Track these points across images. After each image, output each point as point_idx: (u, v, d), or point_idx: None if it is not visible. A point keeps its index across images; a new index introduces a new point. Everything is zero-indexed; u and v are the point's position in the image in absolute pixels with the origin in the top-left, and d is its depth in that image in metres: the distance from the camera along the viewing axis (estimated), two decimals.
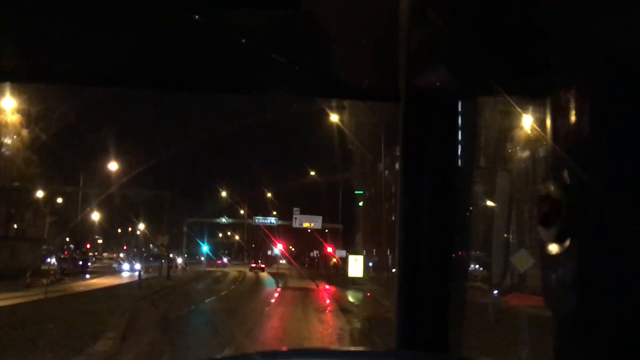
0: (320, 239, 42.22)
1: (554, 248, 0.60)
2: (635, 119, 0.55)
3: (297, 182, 43.11)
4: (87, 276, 32.25)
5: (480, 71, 1.01)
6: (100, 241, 62.50)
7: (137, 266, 32.87)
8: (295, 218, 36.19)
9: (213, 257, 54.22)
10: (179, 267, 41.29)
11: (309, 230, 46.18)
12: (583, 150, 0.58)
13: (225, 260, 61.29)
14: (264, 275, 42.76)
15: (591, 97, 0.58)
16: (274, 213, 40.07)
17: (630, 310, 0.54)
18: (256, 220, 39.18)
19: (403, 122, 1.21)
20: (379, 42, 1.41)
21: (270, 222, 39.20)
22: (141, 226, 46.12)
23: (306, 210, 37.69)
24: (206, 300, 20.51)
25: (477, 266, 31.20)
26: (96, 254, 59.84)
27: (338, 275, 36.88)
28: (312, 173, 44.03)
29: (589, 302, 0.56)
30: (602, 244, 0.56)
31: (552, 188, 0.60)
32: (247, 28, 1.37)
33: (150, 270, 33.21)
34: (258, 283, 33.91)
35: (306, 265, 55.97)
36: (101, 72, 1.58)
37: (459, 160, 1.28)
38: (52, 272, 28.42)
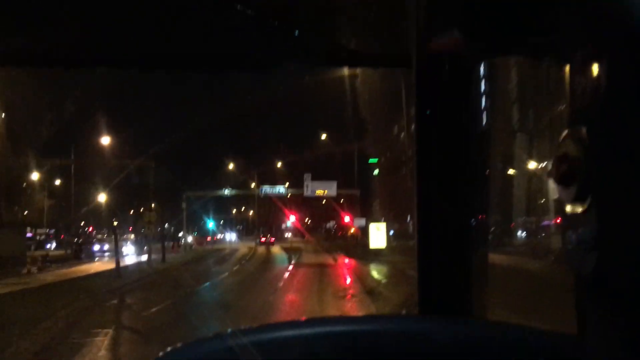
0: (337, 208, 37.57)
1: (573, 207, 0.58)
2: None
3: (308, 153, 38.88)
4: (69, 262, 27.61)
5: (494, 32, 0.96)
6: (115, 223, 58.62)
7: (128, 248, 27.99)
8: (307, 185, 30.96)
9: (219, 234, 49.52)
10: (181, 246, 36.41)
11: (323, 202, 42.25)
12: (601, 106, 0.55)
13: (233, 235, 56.83)
14: (276, 250, 38.04)
15: (608, 51, 0.55)
16: (287, 184, 35.22)
17: None
18: (263, 191, 34.03)
19: (416, 88, 1.17)
20: (388, 6, 1.43)
21: (279, 192, 34.08)
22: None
23: (319, 180, 32.74)
24: (196, 289, 15.65)
25: (524, 233, 26.60)
26: (105, 236, 55.60)
27: (357, 246, 32.40)
28: (324, 137, 39.26)
29: (610, 260, 0.54)
30: (622, 201, 0.53)
31: (570, 146, 0.58)
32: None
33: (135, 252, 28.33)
34: (267, 260, 29.03)
35: (321, 237, 51.82)
36: (101, 54, 1.52)
37: (477, 123, 1.24)
38: (28, 260, 23.82)
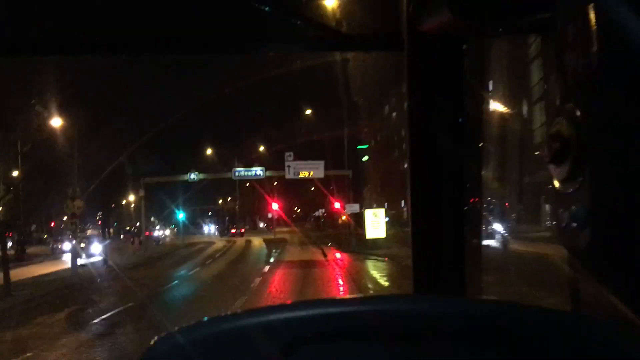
0: (326, 194, 31.97)
1: (564, 186, 0.57)
2: None
3: (294, 137, 33.42)
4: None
5: (484, 12, 0.96)
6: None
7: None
8: (288, 166, 25.11)
9: (191, 227, 43.76)
10: (142, 242, 30.31)
11: (312, 189, 37.18)
12: (592, 84, 0.54)
13: (212, 227, 51.70)
14: (257, 243, 32.24)
15: (597, 28, 0.53)
16: (270, 170, 29.42)
17: None
18: (237, 173, 28.04)
19: (408, 70, 1.15)
20: None
21: (256, 174, 28.11)
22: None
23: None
24: (109, 313, 9.84)
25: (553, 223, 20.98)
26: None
27: (350, 236, 26.76)
28: (308, 112, 33.65)
29: (603, 236, 0.55)
30: (614, 179, 0.53)
31: (562, 125, 0.57)
32: None
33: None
34: (240, 259, 23.11)
35: (309, 226, 46.44)
36: (89, 39, 1.43)
37: (470, 104, 1.20)
38: None
